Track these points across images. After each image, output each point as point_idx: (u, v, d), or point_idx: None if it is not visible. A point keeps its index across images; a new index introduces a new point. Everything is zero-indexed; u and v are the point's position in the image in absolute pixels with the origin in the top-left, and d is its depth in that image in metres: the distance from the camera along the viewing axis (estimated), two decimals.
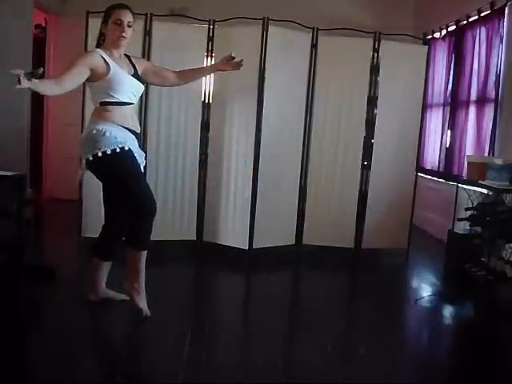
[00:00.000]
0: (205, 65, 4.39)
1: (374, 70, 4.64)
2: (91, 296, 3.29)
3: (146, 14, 4.37)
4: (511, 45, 4.73)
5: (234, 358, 2.86)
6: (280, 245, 4.65)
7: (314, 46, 4.59)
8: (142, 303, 3.16)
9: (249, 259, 4.44)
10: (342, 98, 4.68)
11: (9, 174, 3.63)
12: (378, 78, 4.64)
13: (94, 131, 3.01)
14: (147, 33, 4.38)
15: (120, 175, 3.06)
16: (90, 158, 2.99)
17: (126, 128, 3.08)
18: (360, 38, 4.60)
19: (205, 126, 4.54)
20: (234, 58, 3.36)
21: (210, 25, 4.45)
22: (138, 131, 3.23)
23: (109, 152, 2.97)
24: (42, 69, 2.62)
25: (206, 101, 4.52)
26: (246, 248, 4.45)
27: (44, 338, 2.87)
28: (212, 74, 4.40)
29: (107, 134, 2.98)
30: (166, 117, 4.48)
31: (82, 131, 4.32)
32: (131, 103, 3.14)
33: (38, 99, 5.76)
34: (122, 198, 3.11)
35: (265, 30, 4.34)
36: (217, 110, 4.53)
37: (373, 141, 4.70)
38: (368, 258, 4.80)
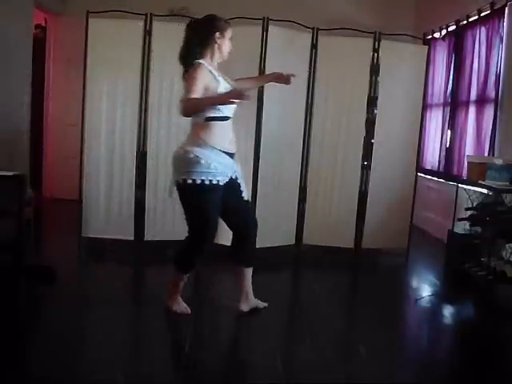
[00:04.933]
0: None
1: (374, 70, 4.64)
2: (174, 306, 3.26)
3: (146, 14, 4.37)
4: (511, 45, 4.73)
5: (234, 358, 2.86)
6: (280, 245, 4.65)
7: (314, 46, 4.59)
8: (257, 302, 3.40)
9: None
10: (342, 97, 4.67)
11: (9, 173, 3.63)
12: (378, 78, 4.64)
13: (191, 155, 2.96)
14: (147, 33, 4.38)
15: (201, 207, 3.04)
16: (180, 181, 3.00)
17: (225, 152, 3.02)
18: (360, 38, 4.60)
19: None
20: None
21: None
22: (235, 151, 3.11)
23: (198, 182, 2.96)
24: None
25: None
26: None
27: (44, 337, 2.88)
28: None
29: (202, 162, 2.94)
30: (167, 116, 4.47)
31: (81, 131, 4.35)
32: (231, 117, 3.06)
33: (38, 99, 5.75)
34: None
35: (265, 30, 4.34)
36: None
37: (373, 141, 4.70)
38: (368, 258, 4.80)
